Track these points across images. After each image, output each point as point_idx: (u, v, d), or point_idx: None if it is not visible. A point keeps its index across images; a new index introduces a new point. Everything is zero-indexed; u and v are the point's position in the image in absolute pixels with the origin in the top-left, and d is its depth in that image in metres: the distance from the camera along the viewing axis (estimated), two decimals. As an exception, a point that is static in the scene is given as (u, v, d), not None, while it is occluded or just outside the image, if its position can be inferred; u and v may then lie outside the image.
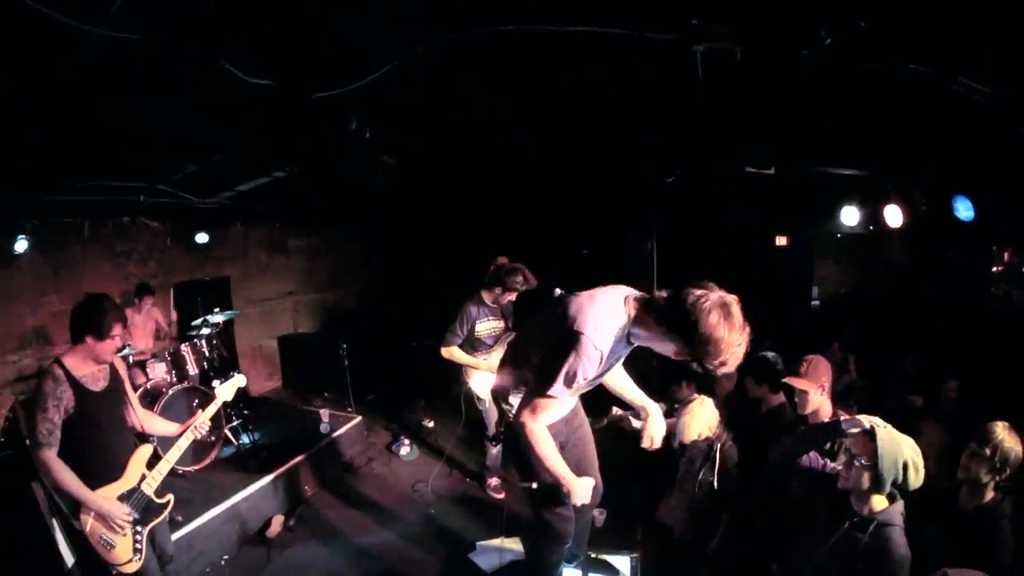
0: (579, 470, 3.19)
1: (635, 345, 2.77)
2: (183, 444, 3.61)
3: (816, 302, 8.24)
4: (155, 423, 3.77)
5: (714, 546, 4.09)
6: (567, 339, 2.63)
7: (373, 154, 4.41)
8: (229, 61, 2.75)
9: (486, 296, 5.33)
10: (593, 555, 3.92)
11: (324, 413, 6.61)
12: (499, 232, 8.10)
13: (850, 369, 6.18)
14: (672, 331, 2.52)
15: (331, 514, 5.59)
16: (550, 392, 2.69)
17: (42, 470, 3.10)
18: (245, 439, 6.19)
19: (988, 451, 2.90)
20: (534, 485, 3.14)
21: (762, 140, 4.48)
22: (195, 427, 3.62)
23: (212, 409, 3.75)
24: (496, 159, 5.47)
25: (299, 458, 5.89)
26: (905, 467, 2.61)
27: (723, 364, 2.41)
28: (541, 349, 2.85)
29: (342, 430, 6.61)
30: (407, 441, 6.90)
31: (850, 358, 6.20)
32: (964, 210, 4.56)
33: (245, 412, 6.50)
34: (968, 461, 2.99)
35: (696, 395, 4.44)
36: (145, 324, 6.74)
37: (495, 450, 5.69)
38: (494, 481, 5.86)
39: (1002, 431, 2.93)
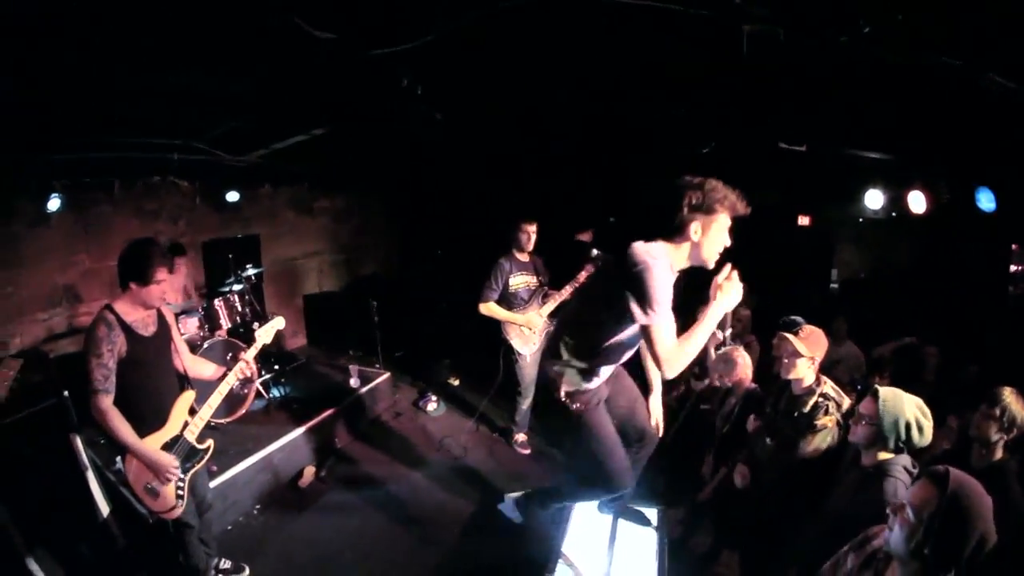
0: (631, 414, 3.48)
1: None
2: (223, 390, 3.64)
3: (835, 284, 8.14)
4: (201, 367, 3.82)
5: (703, 498, 4.39)
6: (635, 270, 2.70)
7: (424, 110, 4.38)
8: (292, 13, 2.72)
9: (516, 251, 5.56)
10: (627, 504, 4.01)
11: (353, 368, 6.70)
12: (530, 196, 8.17)
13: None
14: (690, 214, 2.77)
15: (361, 466, 5.72)
16: (654, 316, 2.70)
17: (97, 417, 3.12)
18: (276, 392, 6.30)
19: (997, 412, 3.07)
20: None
21: (796, 117, 4.46)
22: (239, 369, 3.66)
23: (254, 350, 3.79)
24: (535, 123, 5.44)
25: (329, 411, 6.00)
26: (908, 427, 2.73)
27: (726, 199, 2.74)
28: (611, 300, 2.86)
29: (371, 385, 6.72)
30: (434, 397, 7.00)
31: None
32: (987, 201, 4.54)
33: (276, 367, 6.60)
34: (979, 421, 3.15)
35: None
36: (176, 282, 6.80)
37: (525, 407, 5.79)
38: (521, 437, 5.98)
39: (1009, 395, 3.10)
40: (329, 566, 4.32)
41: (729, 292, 2.81)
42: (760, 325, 5.94)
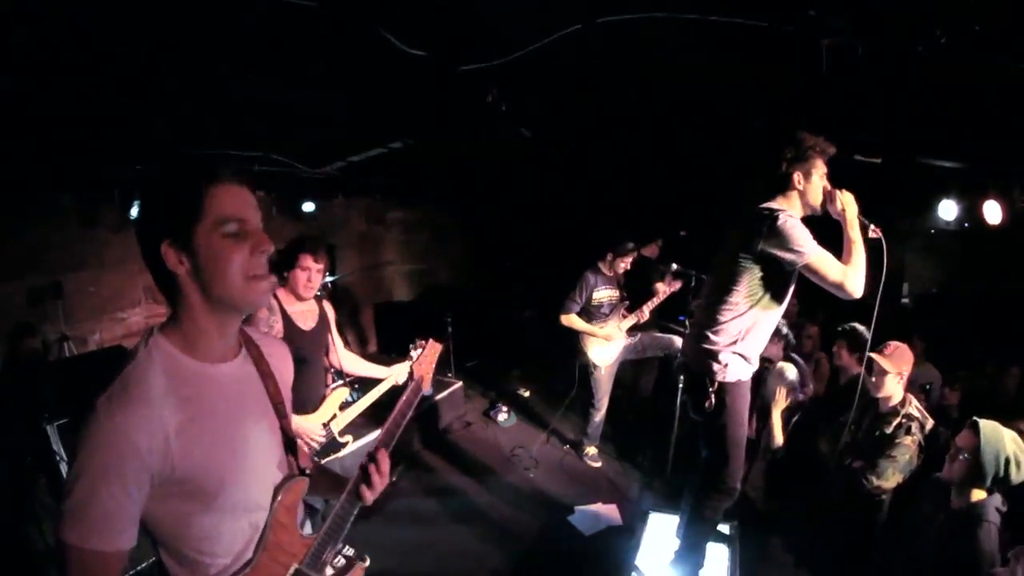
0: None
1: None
2: (375, 395, 3.87)
3: (906, 300, 7.77)
4: (356, 365, 4.01)
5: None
6: (767, 223, 2.96)
7: (511, 126, 4.39)
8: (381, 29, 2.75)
9: (602, 266, 5.65)
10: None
11: (427, 376, 6.69)
12: (602, 213, 8.21)
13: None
14: (789, 167, 3.10)
15: (430, 474, 5.74)
16: (807, 250, 2.93)
17: None
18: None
19: None
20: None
21: (870, 128, 4.34)
22: (397, 376, 3.87)
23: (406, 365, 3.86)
24: (607, 135, 5.42)
25: (402, 419, 5.98)
26: (1007, 463, 2.65)
27: (816, 145, 3.06)
28: (760, 262, 3.04)
29: (443, 394, 6.71)
30: (504, 408, 7.00)
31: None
32: None
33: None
34: None
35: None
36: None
37: (598, 419, 5.79)
38: (591, 450, 5.93)
39: None
40: (397, 573, 4.29)
41: (848, 201, 3.09)
42: (829, 343, 5.76)
